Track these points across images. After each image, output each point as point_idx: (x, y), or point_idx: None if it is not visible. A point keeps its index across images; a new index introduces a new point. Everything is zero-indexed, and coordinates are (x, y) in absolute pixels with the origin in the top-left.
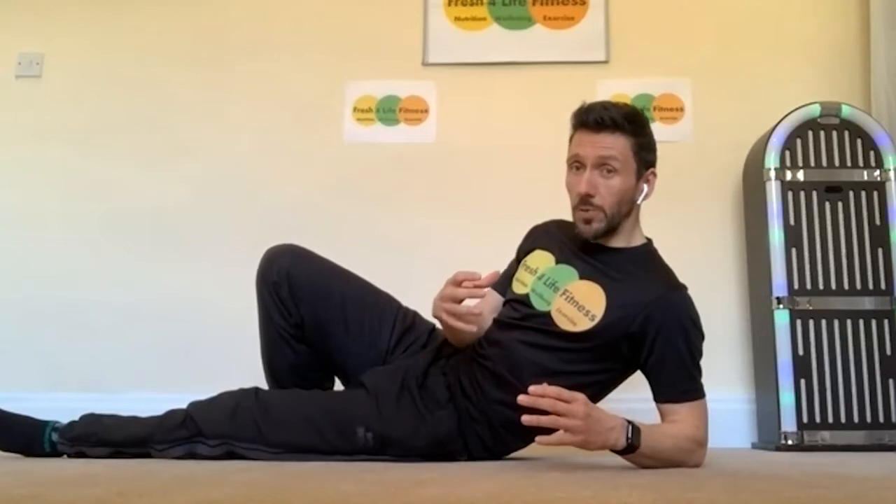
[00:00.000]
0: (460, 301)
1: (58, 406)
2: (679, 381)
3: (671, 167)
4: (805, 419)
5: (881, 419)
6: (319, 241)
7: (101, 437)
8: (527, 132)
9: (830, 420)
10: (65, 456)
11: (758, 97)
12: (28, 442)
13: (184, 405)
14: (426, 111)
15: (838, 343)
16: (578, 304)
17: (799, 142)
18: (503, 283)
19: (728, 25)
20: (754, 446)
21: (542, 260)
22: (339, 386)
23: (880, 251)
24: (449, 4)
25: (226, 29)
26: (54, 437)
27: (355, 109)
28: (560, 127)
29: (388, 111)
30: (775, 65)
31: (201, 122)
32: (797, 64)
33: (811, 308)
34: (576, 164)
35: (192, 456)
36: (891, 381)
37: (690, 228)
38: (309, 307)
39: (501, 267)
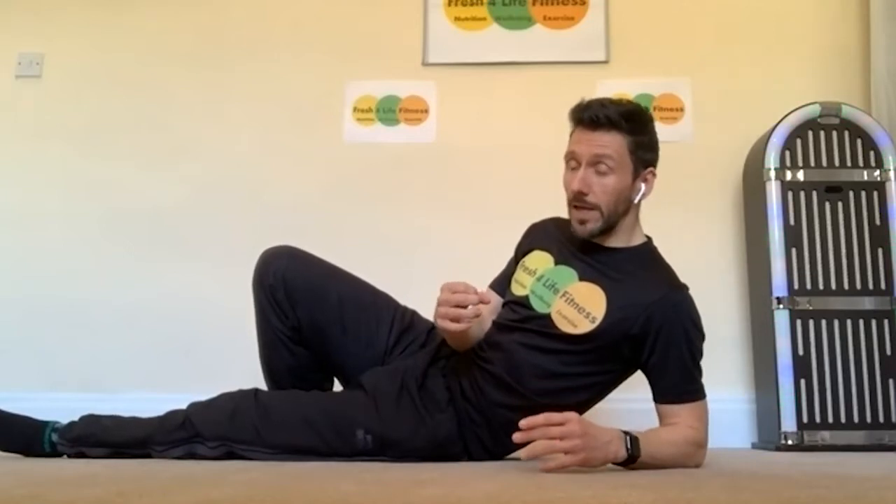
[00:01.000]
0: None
1: (58, 406)
2: (680, 382)
3: (671, 167)
4: (805, 419)
5: (881, 419)
6: (319, 241)
7: (100, 439)
8: (527, 132)
9: (830, 420)
10: (64, 456)
11: (758, 97)
12: (28, 442)
13: (184, 405)
14: (426, 111)
15: (838, 343)
16: (579, 305)
17: (799, 142)
18: (502, 283)
19: (728, 25)
20: (754, 446)
21: (540, 261)
22: (338, 387)
23: (880, 251)
24: (449, 4)
25: (226, 29)
26: (54, 437)
27: (355, 109)
28: (560, 127)
29: (388, 111)
30: (775, 65)
31: (201, 122)
32: (797, 64)
33: (811, 308)
34: (572, 161)
35: (192, 457)
36: (891, 381)
37: (690, 228)
38: (305, 309)
39: (501, 266)
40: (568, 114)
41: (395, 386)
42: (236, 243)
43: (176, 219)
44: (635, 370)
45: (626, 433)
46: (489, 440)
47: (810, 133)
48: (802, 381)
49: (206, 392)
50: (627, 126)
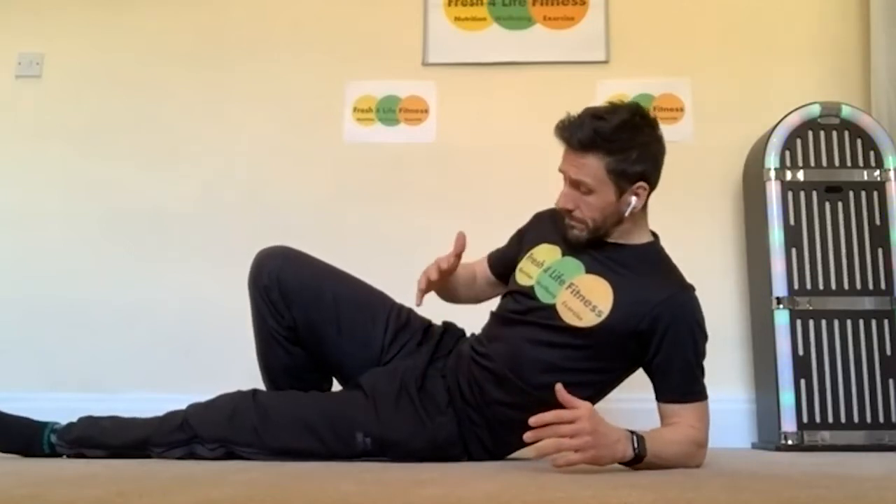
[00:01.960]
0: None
1: (58, 406)
2: (684, 383)
3: (671, 167)
4: (805, 419)
5: (881, 419)
6: (319, 241)
7: (98, 441)
8: (527, 132)
9: (830, 420)
10: (64, 457)
11: (758, 97)
12: (27, 443)
13: (184, 405)
14: (426, 111)
15: (838, 343)
16: (585, 298)
17: (799, 142)
18: (498, 259)
19: (728, 25)
20: (754, 446)
21: (549, 253)
22: (336, 386)
23: (880, 251)
24: (449, 4)
25: (226, 29)
26: (53, 438)
27: (355, 109)
28: None
29: (388, 111)
30: (775, 65)
31: (201, 122)
32: (797, 64)
33: (811, 308)
34: (562, 175)
35: (192, 456)
36: (891, 381)
37: (690, 228)
38: (301, 309)
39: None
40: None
41: (395, 387)
42: (236, 243)
43: (176, 219)
44: (636, 368)
45: (632, 433)
46: (489, 441)
47: (810, 133)
48: (802, 381)
49: (205, 392)
50: (605, 147)
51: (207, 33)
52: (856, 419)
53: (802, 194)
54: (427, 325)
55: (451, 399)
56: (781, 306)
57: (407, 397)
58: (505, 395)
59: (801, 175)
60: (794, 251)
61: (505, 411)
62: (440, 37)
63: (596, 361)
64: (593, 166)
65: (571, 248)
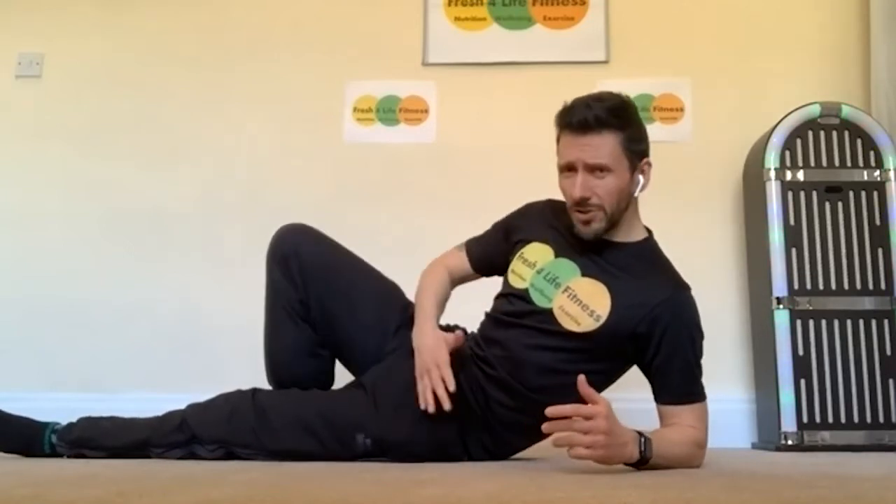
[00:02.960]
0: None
1: (58, 406)
2: (684, 384)
3: (671, 167)
4: (805, 419)
5: (881, 419)
6: None
7: (98, 443)
8: (527, 132)
9: (830, 420)
10: (64, 457)
11: (758, 97)
12: (27, 443)
13: (184, 405)
14: (426, 111)
15: (838, 343)
16: (582, 303)
17: (799, 142)
18: (478, 248)
19: (728, 25)
20: (754, 446)
21: (540, 253)
22: (338, 376)
23: (880, 251)
24: (449, 4)
25: (226, 29)
26: (54, 439)
27: (355, 109)
28: None
29: (388, 111)
30: (775, 65)
31: (201, 122)
32: (797, 64)
33: (811, 308)
34: (567, 169)
35: (192, 457)
36: (891, 381)
37: (690, 228)
38: (316, 285)
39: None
40: (554, 118)
41: (397, 388)
42: (236, 243)
43: (176, 219)
44: (631, 367)
45: (640, 434)
46: (490, 442)
47: (810, 133)
48: (802, 381)
49: (206, 392)
50: (617, 122)
51: (207, 33)
52: (856, 419)
53: (802, 194)
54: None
55: (452, 400)
56: (781, 306)
57: (409, 398)
58: (504, 397)
59: (801, 175)
60: (794, 251)
61: (505, 413)
62: (440, 37)
63: (593, 364)
64: (609, 143)
65: (563, 248)
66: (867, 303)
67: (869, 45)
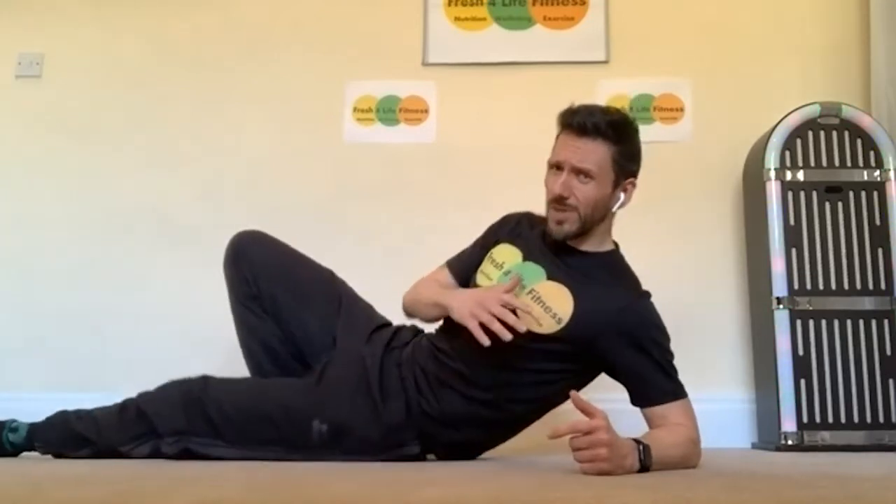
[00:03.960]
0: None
1: (58, 406)
2: (660, 383)
3: (671, 167)
4: (805, 419)
5: (881, 419)
6: (319, 241)
7: (73, 452)
8: (527, 132)
9: (830, 420)
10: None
11: (758, 97)
12: None
13: None
14: (426, 111)
15: (838, 343)
16: (545, 304)
17: (799, 142)
18: (463, 264)
19: (728, 26)
20: (754, 446)
21: (508, 255)
22: None
23: (880, 251)
24: (449, 4)
25: (226, 29)
26: (11, 437)
27: (355, 109)
28: None
29: (388, 111)
30: (775, 65)
31: (201, 122)
32: (797, 64)
33: (811, 308)
34: (555, 166)
35: (157, 452)
36: (891, 381)
37: (691, 228)
38: (266, 281)
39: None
40: (557, 117)
41: (348, 373)
42: None
43: (176, 219)
44: (591, 379)
45: (637, 443)
46: (443, 433)
47: (810, 133)
48: (802, 381)
49: None
50: (613, 136)
51: (207, 33)
52: (856, 419)
53: (802, 194)
54: (387, 322)
55: (405, 387)
56: (781, 306)
57: (364, 384)
58: (463, 387)
59: (801, 175)
60: (794, 251)
61: (462, 405)
62: (440, 37)
63: (551, 363)
64: (600, 152)
65: (533, 253)
66: (867, 303)
67: (869, 45)
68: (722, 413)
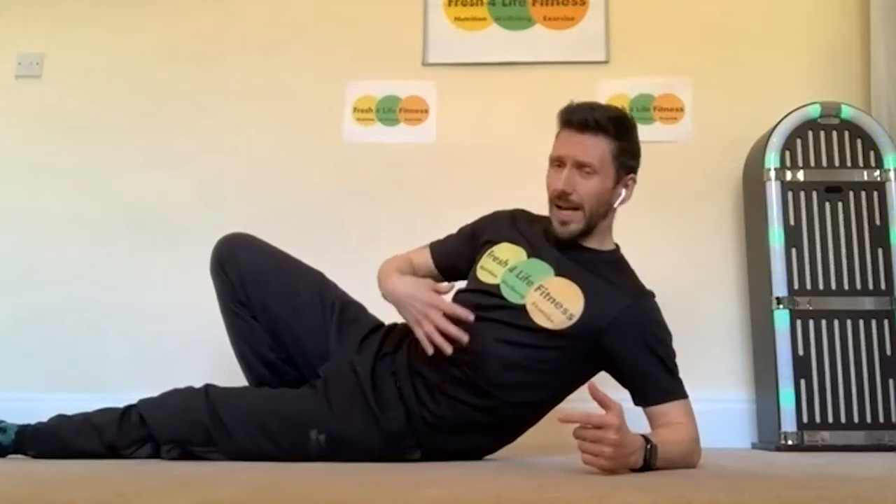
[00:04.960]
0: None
1: (57, 406)
2: (663, 382)
3: (671, 167)
4: (805, 419)
5: (881, 419)
6: (319, 241)
7: (65, 454)
8: (527, 132)
9: (830, 420)
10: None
11: (758, 97)
12: None
13: None
14: (426, 111)
15: (838, 343)
16: (555, 300)
17: (799, 142)
18: (442, 249)
19: (728, 26)
20: (754, 446)
21: (512, 253)
22: None
23: (880, 251)
24: (449, 4)
25: (226, 29)
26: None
27: (355, 109)
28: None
29: (388, 111)
30: (775, 65)
31: (201, 122)
32: (797, 64)
33: (811, 308)
34: (557, 162)
35: (157, 455)
36: (891, 381)
37: (690, 228)
38: (255, 289)
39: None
40: (557, 114)
41: (348, 383)
42: None
43: (176, 219)
44: (589, 377)
45: (646, 441)
46: (442, 437)
47: (810, 133)
48: (802, 381)
49: None
50: (614, 131)
51: (207, 33)
52: (856, 419)
53: (802, 194)
54: (379, 324)
55: (403, 396)
56: (781, 306)
57: (360, 392)
58: (464, 392)
59: (801, 175)
60: (794, 251)
61: (461, 413)
62: (440, 37)
63: (557, 363)
64: (601, 147)
65: (537, 250)
66: (867, 303)
67: (869, 45)
68: (722, 413)
